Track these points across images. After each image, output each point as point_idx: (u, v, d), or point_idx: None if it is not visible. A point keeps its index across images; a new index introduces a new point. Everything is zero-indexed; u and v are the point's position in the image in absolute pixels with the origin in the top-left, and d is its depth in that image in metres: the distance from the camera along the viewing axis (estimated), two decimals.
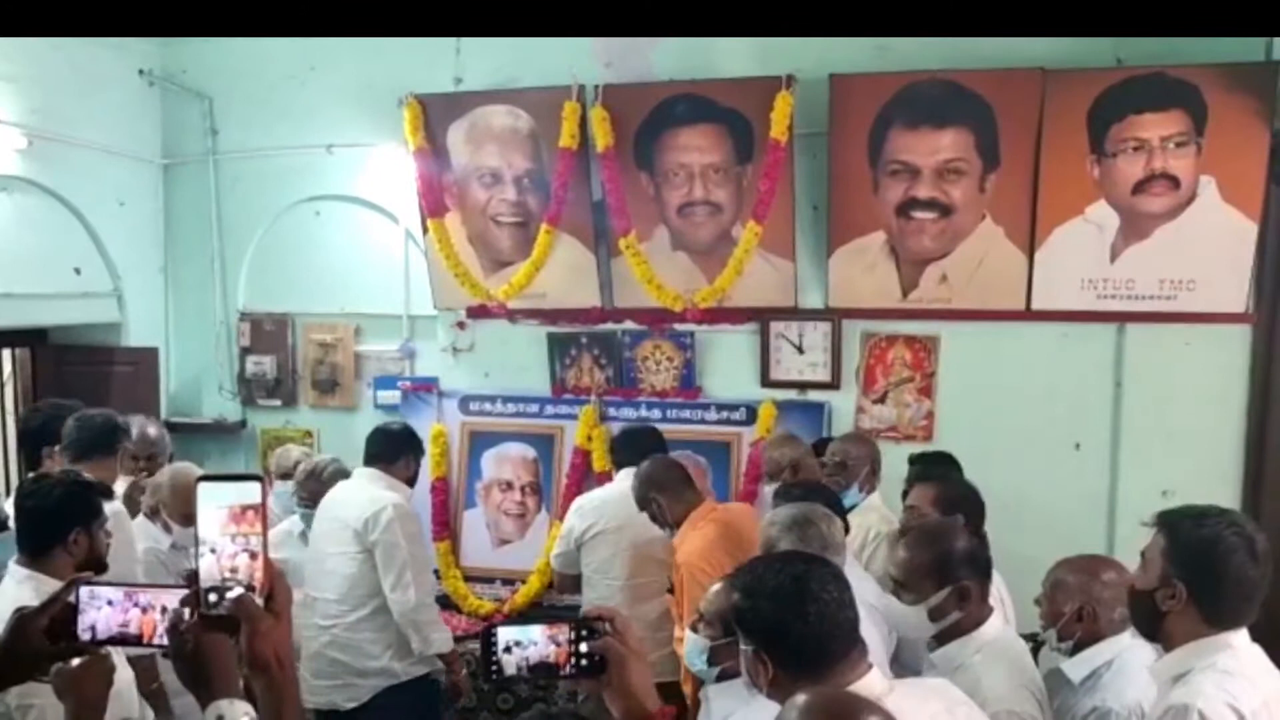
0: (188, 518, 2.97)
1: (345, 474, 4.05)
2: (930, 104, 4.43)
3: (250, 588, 1.29)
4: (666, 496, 3.65)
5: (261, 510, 1.29)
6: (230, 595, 1.28)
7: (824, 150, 4.59)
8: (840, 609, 1.83)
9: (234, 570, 1.29)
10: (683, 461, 4.47)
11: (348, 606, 3.75)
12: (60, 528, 2.76)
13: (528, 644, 1.43)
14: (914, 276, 4.64)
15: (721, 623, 2.24)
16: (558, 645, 1.43)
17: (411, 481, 4.05)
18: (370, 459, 3.94)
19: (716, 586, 2.34)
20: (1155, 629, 2.12)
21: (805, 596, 1.80)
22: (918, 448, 4.43)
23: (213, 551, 1.28)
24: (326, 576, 3.80)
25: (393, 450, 3.94)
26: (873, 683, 1.82)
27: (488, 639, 1.44)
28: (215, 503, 1.29)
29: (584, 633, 1.44)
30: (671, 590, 3.51)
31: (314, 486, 4.05)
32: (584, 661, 1.43)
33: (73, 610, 1.46)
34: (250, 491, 1.29)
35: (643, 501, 3.70)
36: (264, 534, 1.30)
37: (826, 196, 4.62)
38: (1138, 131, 4.27)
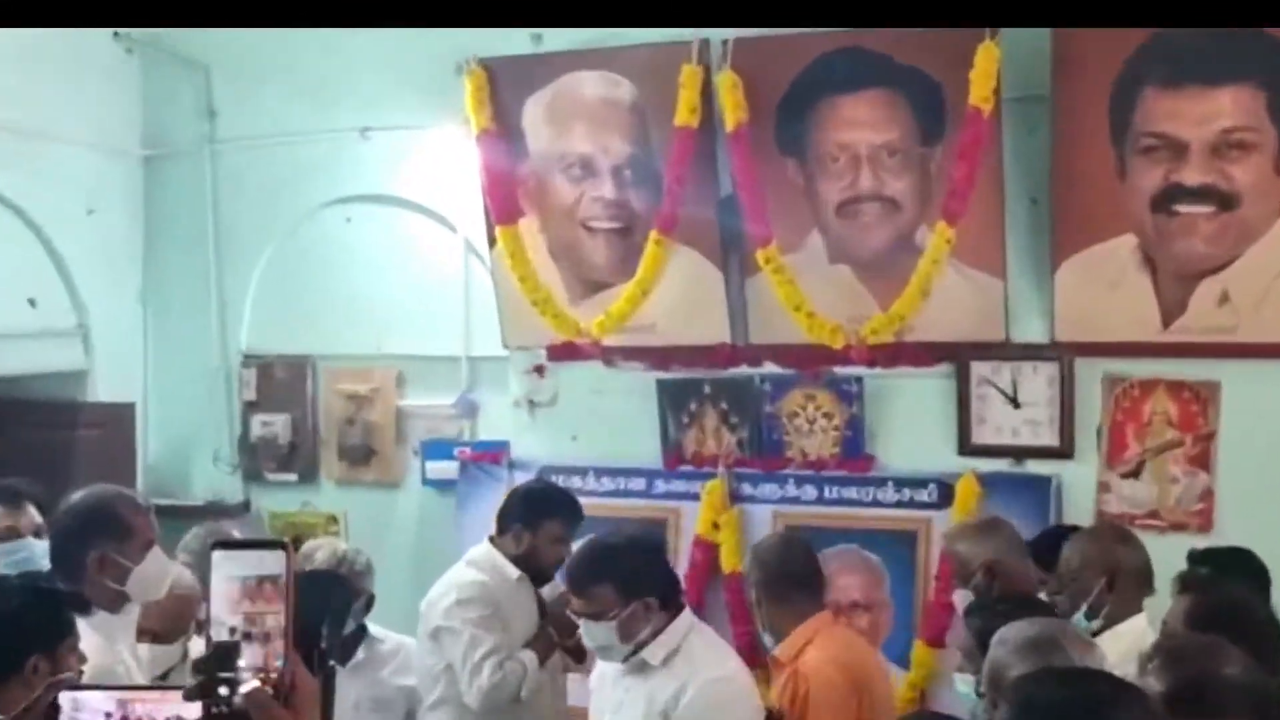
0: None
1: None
2: (1197, 54, 3.92)
3: (267, 677, 1.29)
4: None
5: (286, 584, 1.31)
6: (243, 689, 1.28)
7: (1045, 121, 4.13)
8: None
9: (249, 655, 1.31)
10: (850, 559, 4.47)
11: None
12: (14, 653, 2.55)
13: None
14: (1181, 297, 4.11)
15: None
16: None
17: (519, 560, 3.65)
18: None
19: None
20: None
21: None
22: (1191, 541, 3.83)
23: (231, 632, 1.31)
24: None
25: (502, 515, 3.74)
26: None
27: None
28: (230, 574, 1.32)
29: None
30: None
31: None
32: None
33: None
34: (271, 562, 1.32)
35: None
36: (287, 613, 1.30)
37: (1049, 186, 4.17)
38: None
